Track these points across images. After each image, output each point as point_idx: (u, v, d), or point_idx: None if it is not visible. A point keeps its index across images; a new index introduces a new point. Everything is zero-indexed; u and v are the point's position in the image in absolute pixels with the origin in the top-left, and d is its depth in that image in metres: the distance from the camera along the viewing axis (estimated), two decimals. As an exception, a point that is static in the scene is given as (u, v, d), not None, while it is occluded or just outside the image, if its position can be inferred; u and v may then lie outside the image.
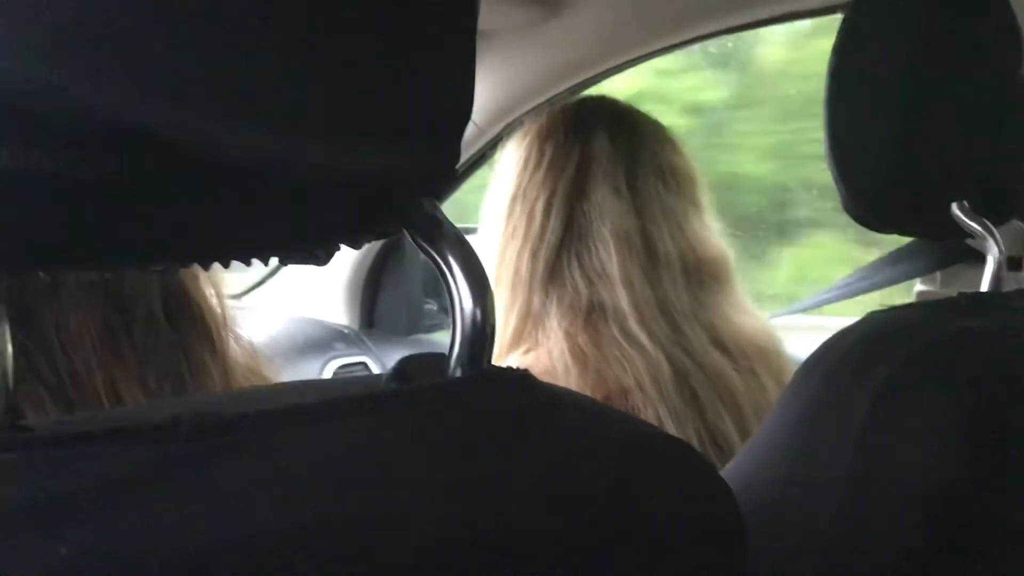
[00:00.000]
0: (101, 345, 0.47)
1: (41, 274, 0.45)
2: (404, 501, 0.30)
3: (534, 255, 1.01)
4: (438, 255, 0.37)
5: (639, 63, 1.43)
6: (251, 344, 0.55)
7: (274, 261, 0.36)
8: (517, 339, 1.01)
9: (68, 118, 0.27)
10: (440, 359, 0.37)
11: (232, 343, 0.54)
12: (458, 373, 0.37)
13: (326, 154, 0.34)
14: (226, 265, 0.35)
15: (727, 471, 0.71)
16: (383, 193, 0.37)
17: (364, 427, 0.32)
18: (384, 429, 0.32)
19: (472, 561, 0.31)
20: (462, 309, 0.37)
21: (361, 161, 0.35)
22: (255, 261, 0.36)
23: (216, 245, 0.34)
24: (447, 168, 0.39)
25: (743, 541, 0.43)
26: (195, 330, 0.52)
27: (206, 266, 0.35)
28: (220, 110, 0.30)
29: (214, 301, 0.54)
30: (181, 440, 0.28)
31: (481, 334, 0.37)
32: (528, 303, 1.01)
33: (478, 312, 0.36)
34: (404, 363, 0.36)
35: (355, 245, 0.38)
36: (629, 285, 0.98)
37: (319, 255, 0.37)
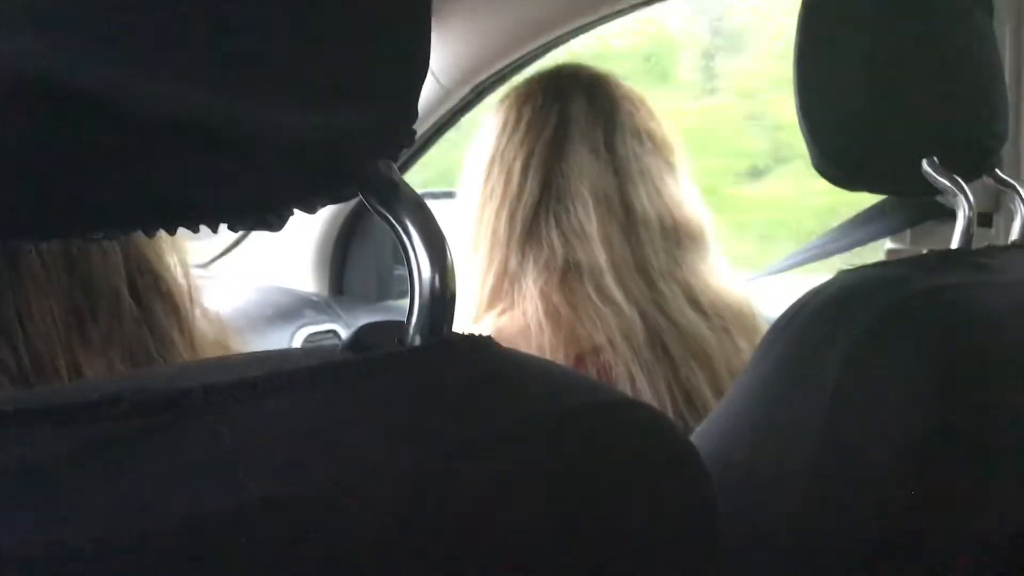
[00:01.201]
0: (65, 328, 0.46)
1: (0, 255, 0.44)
2: (357, 478, 0.29)
3: (511, 215, 1.02)
4: (395, 219, 0.36)
5: (607, 21, 1.41)
6: (218, 316, 0.54)
7: (225, 227, 0.35)
8: (494, 299, 1.02)
9: (3, 82, 0.26)
10: (399, 326, 0.36)
11: (199, 316, 0.52)
12: (417, 341, 0.35)
13: (276, 116, 0.33)
14: (172, 232, 0.34)
15: (699, 431, 0.71)
16: (337, 156, 0.35)
17: (317, 400, 0.31)
18: (338, 402, 0.31)
19: (432, 539, 0.30)
20: (420, 275, 0.35)
21: (314, 123, 0.34)
22: (204, 228, 0.35)
23: (162, 211, 0.32)
24: (404, 128, 0.37)
25: (714, 505, 0.42)
26: (162, 307, 0.51)
27: (151, 233, 0.33)
28: (162, 69, 0.29)
29: (178, 272, 0.52)
30: (120, 418, 0.26)
31: (441, 300, 0.35)
32: (505, 263, 1.02)
33: (437, 278, 0.35)
34: (361, 332, 0.35)
35: (309, 210, 0.37)
36: (607, 243, 0.99)
37: (272, 221, 0.36)
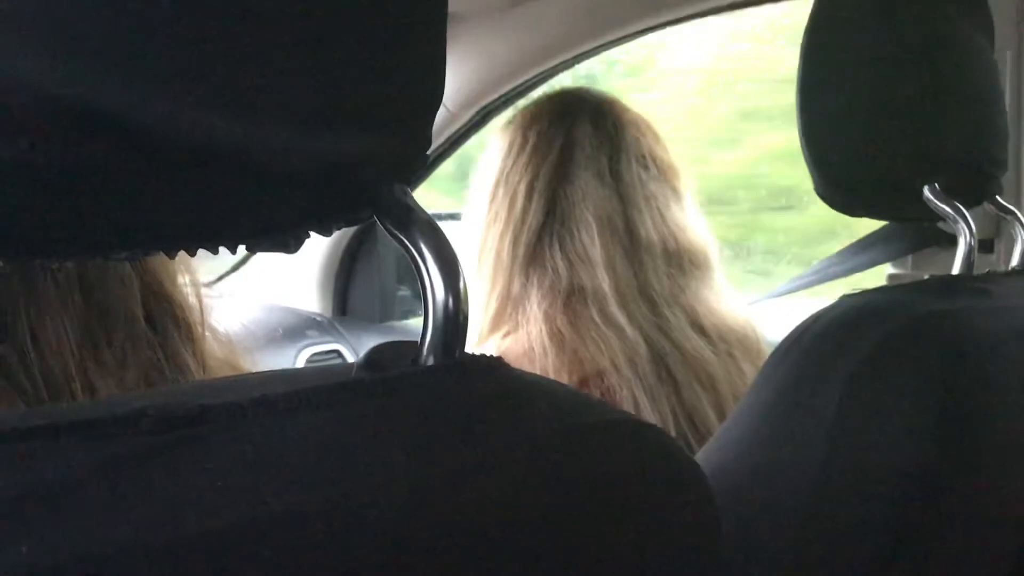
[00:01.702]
0: (79, 350, 0.47)
1: (15, 279, 0.44)
2: (373, 493, 0.29)
3: (515, 239, 1.02)
4: (409, 242, 0.37)
5: (612, 47, 1.43)
6: (228, 336, 0.54)
7: (244, 249, 0.36)
8: (497, 322, 1.02)
9: (26, 104, 0.26)
10: (412, 347, 0.37)
11: (209, 336, 0.53)
12: (431, 361, 0.36)
13: (294, 140, 0.33)
14: (192, 253, 0.34)
15: (702, 454, 0.72)
16: (353, 179, 0.36)
17: (334, 418, 0.32)
18: (354, 420, 0.32)
19: (442, 552, 0.31)
20: (434, 297, 0.36)
21: (330, 147, 0.35)
22: (223, 249, 0.35)
23: (181, 233, 0.33)
24: (418, 154, 0.38)
25: (717, 525, 0.43)
26: (175, 329, 0.51)
27: (172, 255, 0.34)
28: (184, 96, 0.29)
29: (190, 292, 0.53)
30: (145, 433, 0.27)
31: (454, 322, 0.36)
32: (508, 286, 1.02)
33: (450, 299, 0.36)
34: (376, 352, 0.36)
35: (325, 232, 0.37)
36: (611, 268, 0.99)
37: (288, 243, 0.37)
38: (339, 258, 1.69)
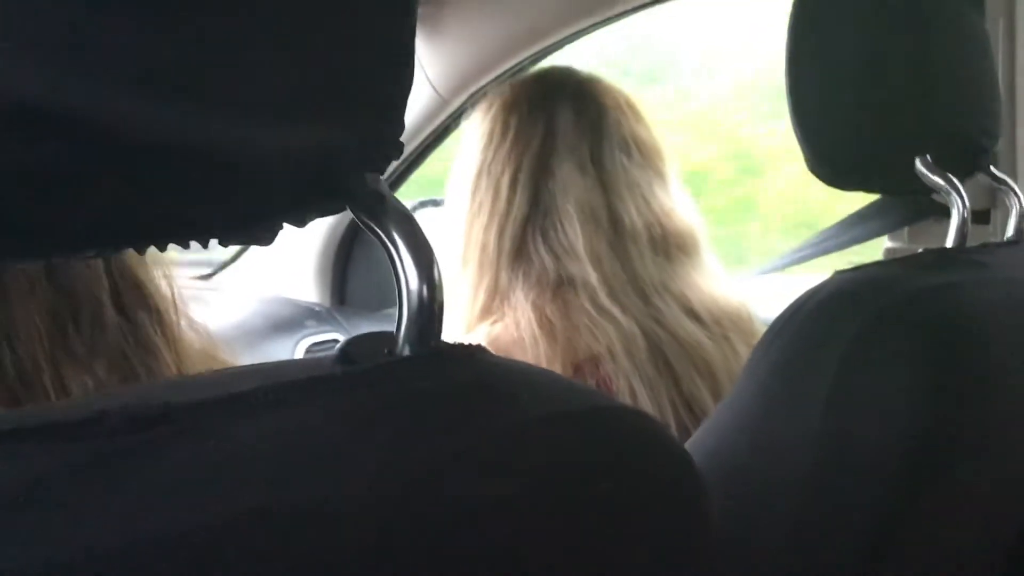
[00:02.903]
0: (48, 338, 0.46)
1: None
2: (346, 489, 0.29)
3: (500, 232, 1.01)
4: (382, 231, 0.36)
5: (604, 26, 1.42)
6: (205, 327, 0.54)
7: (216, 243, 0.35)
8: (484, 316, 1.01)
9: None
10: (388, 337, 0.36)
11: (185, 326, 0.52)
12: (407, 352, 0.36)
13: (262, 132, 0.33)
14: (162, 249, 0.34)
15: (696, 436, 0.71)
16: (324, 170, 0.36)
17: (307, 413, 0.31)
18: (327, 414, 0.32)
19: (421, 545, 0.30)
20: (408, 286, 0.36)
21: (299, 138, 0.34)
22: (195, 244, 0.35)
23: (150, 229, 0.33)
24: (390, 142, 0.37)
25: (708, 509, 0.42)
26: (146, 316, 0.51)
27: (141, 251, 0.34)
28: (146, 89, 0.29)
29: (163, 283, 0.52)
30: (108, 435, 0.27)
31: (429, 311, 0.36)
32: (496, 279, 1.01)
33: (424, 289, 0.36)
34: (350, 344, 0.35)
35: (299, 224, 0.37)
36: (596, 260, 0.98)
37: (261, 236, 0.36)
38: (335, 247, 1.69)
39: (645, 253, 1.00)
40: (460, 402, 0.35)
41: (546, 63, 1.47)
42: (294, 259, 1.72)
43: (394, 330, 0.37)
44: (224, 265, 1.76)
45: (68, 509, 0.25)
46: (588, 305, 0.96)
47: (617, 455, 0.38)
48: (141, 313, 0.50)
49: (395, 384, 0.34)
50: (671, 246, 1.02)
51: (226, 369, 0.37)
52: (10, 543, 0.24)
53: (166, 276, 0.52)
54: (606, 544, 0.37)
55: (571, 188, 1.00)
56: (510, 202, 1.00)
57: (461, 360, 0.37)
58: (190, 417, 0.28)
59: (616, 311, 0.96)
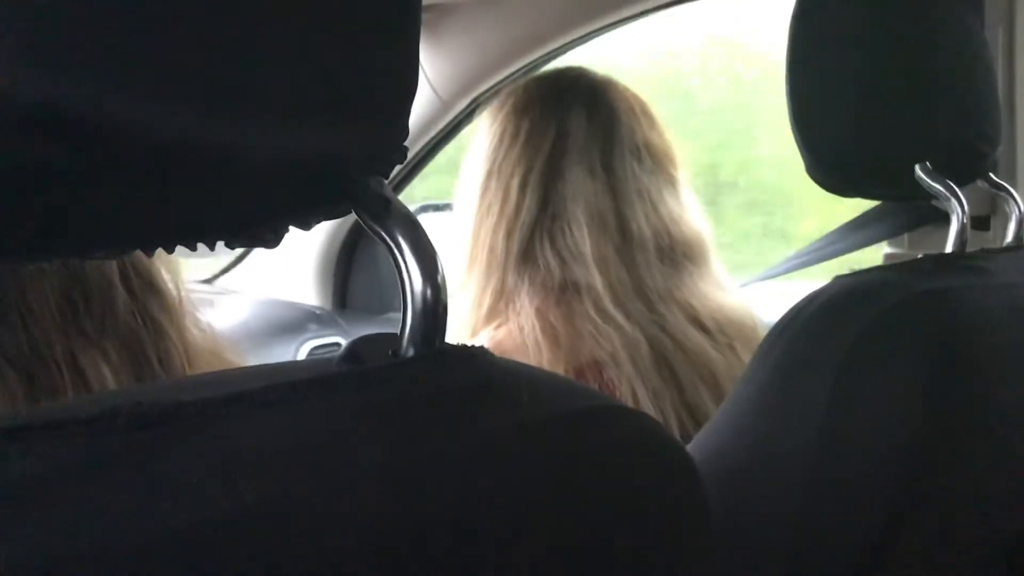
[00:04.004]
0: (60, 316, 0.47)
1: None
2: (350, 486, 0.30)
3: (509, 234, 1.00)
4: (387, 234, 0.37)
5: (607, 31, 1.42)
6: (211, 327, 0.55)
7: (222, 245, 0.36)
8: (491, 318, 1.01)
9: (2, 108, 0.26)
10: (393, 339, 0.37)
11: (190, 325, 0.53)
12: (410, 353, 0.36)
13: (268, 134, 0.33)
14: (170, 251, 0.34)
15: (698, 439, 0.72)
16: (329, 173, 0.36)
17: (312, 412, 0.32)
18: (332, 413, 0.32)
19: (422, 544, 0.31)
20: (412, 288, 0.36)
21: (305, 141, 0.35)
22: (220, 246, 0.35)
23: (158, 231, 0.33)
24: (394, 146, 0.38)
25: (706, 509, 0.43)
26: (155, 299, 0.52)
27: (148, 252, 0.34)
28: (150, 92, 0.29)
29: (171, 285, 0.53)
30: (119, 432, 0.27)
31: (433, 312, 0.36)
32: (503, 281, 1.00)
33: (428, 291, 0.36)
34: (356, 344, 0.36)
35: (304, 227, 0.37)
36: (603, 266, 0.97)
37: (268, 238, 0.37)
38: (338, 251, 1.69)
39: (652, 260, 1.00)
40: (463, 403, 0.35)
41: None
42: (296, 263, 1.72)
43: (398, 332, 0.37)
44: (227, 269, 1.76)
45: (77, 505, 0.26)
46: (592, 311, 0.95)
47: (617, 455, 0.39)
48: (149, 296, 0.51)
49: (399, 384, 0.35)
50: (678, 254, 1.01)
51: (233, 369, 0.37)
52: (19, 538, 0.24)
53: (173, 277, 0.53)
54: (606, 543, 0.37)
55: (580, 192, 0.99)
56: (519, 204, 1.00)
57: (464, 361, 0.37)
58: (198, 415, 0.29)
59: (620, 317, 0.95)
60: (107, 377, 0.48)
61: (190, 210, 0.33)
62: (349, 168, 0.36)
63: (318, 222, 0.38)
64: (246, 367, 0.37)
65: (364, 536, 0.29)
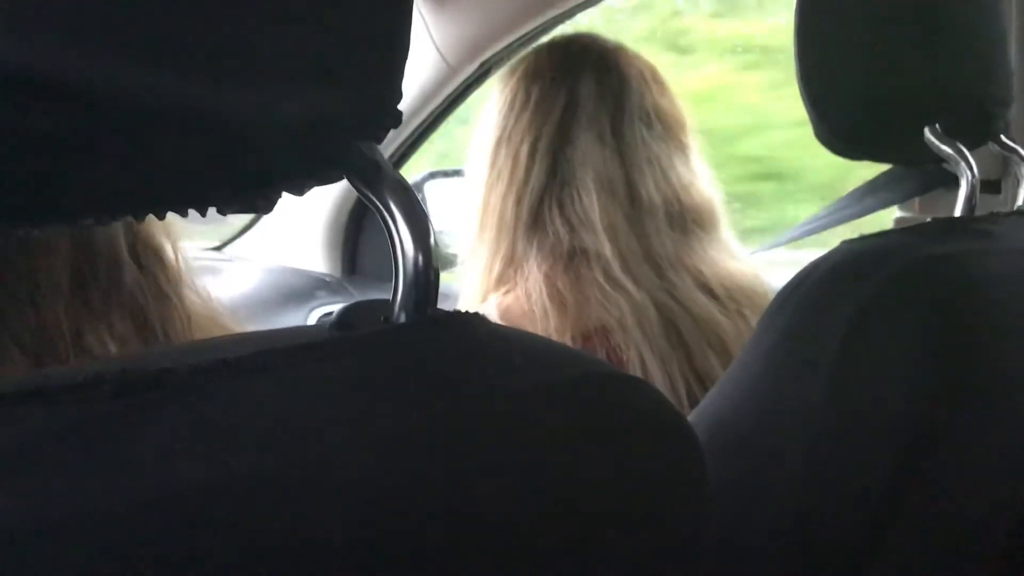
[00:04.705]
0: (69, 292, 0.47)
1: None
2: (339, 451, 0.29)
3: (518, 200, 1.00)
4: (378, 200, 0.36)
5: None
6: (208, 294, 0.55)
7: (214, 211, 0.36)
8: (500, 284, 1.01)
9: None
10: (385, 305, 0.37)
11: (188, 292, 0.53)
12: (402, 319, 0.36)
13: (258, 99, 0.33)
14: (161, 217, 0.34)
15: (702, 405, 0.72)
16: (320, 138, 0.36)
17: (301, 378, 0.31)
18: (322, 379, 0.32)
19: (413, 508, 0.31)
20: (404, 254, 0.36)
21: (295, 106, 0.34)
22: (195, 212, 0.35)
23: (148, 197, 0.33)
24: (387, 110, 0.38)
25: (703, 476, 0.42)
26: (161, 269, 0.52)
27: (139, 219, 0.34)
28: (141, 56, 0.29)
29: (169, 249, 0.53)
30: (105, 398, 0.27)
31: (424, 279, 0.36)
32: (512, 248, 1.01)
33: (420, 256, 0.36)
34: (347, 311, 0.36)
35: (297, 192, 0.37)
36: (612, 232, 0.97)
37: (260, 204, 0.36)
38: (346, 217, 1.69)
39: (661, 227, 0.99)
40: (454, 368, 0.35)
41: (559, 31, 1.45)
42: (305, 230, 1.72)
43: (389, 299, 0.37)
44: (235, 236, 1.76)
45: (63, 470, 0.26)
46: (601, 278, 0.95)
47: (613, 421, 0.39)
48: (156, 266, 0.51)
49: (388, 350, 0.34)
50: (688, 221, 1.01)
51: (223, 336, 0.37)
52: (4, 502, 0.25)
53: (172, 244, 0.53)
54: (597, 506, 0.37)
55: (589, 159, 0.99)
56: (528, 171, 1.00)
57: (456, 327, 0.37)
58: (184, 382, 0.29)
59: (629, 284, 0.95)
60: (112, 352, 0.48)
61: (180, 176, 0.33)
62: (339, 133, 0.36)
63: (311, 188, 0.38)
64: (238, 334, 0.37)
65: (350, 502, 0.29)
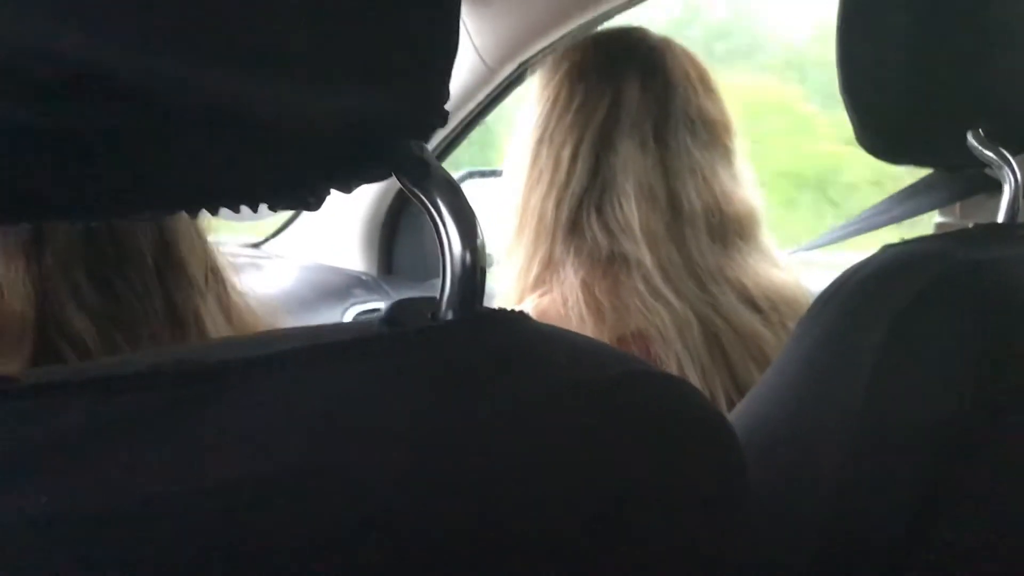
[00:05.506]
0: (96, 291, 0.48)
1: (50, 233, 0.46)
2: (387, 448, 0.30)
3: (558, 203, 0.99)
4: (427, 198, 0.37)
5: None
6: (249, 292, 0.56)
7: (265, 208, 0.36)
8: (537, 286, 1.00)
9: (35, 68, 0.27)
10: (432, 302, 0.37)
11: (229, 291, 0.54)
12: (449, 316, 0.37)
13: (309, 99, 0.34)
14: (213, 213, 0.35)
15: (740, 407, 0.71)
16: (369, 137, 0.36)
17: (350, 373, 0.32)
18: (371, 375, 0.32)
19: (457, 504, 0.31)
20: (451, 252, 0.36)
21: (346, 104, 0.35)
22: (245, 210, 0.36)
23: (200, 193, 0.34)
24: (435, 110, 0.38)
25: (743, 474, 0.42)
26: (189, 273, 0.53)
27: (193, 214, 0.35)
28: (189, 52, 0.30)
29: (207, 249, 0.54)
30: (162, 389, 0.28)
31: (472, 276, 0.36)
32: (551, 250, 0.99)
33: (468, 254, 0.36)
34: (396, 307, 0.36)
35: (345, 190, 0.38)
36: (652, 241, 0.96)
37: (310, 201, 0.37)
38: (383, 216, 1.69)
39: (702, 238, 0.98)
40: (499, 365, 0.36)
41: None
42: (342, 229, 1.73)
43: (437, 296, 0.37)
44: (274, 234, 1.78)
45: (120, 459, 0.27)
46: (642, 286, 0.93)
47: (655, 419, 0.39)
48: (184, 271, 0.52)
49: (436, 348, 0.35)
50: (729, 231, 0.99)
51: (274, 331, 0.38)
52: (62, 491, 0.25)
53: (200, 238, 0.54)
54: (637, 504, 0.37)
55: (631, 166, 0.97)
56: (569, 174, 0.98)
57: (502, 325, 0.37)
58: (238, 375, 0.29)
59: (671, 295, 0.94)
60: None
61: (232, 172, 0.34)
62: (389, 131, 0.37)
63: (359, 185, 0.38)
64: (287, 328, 0.38)
65: (395, 497, 0.30)
